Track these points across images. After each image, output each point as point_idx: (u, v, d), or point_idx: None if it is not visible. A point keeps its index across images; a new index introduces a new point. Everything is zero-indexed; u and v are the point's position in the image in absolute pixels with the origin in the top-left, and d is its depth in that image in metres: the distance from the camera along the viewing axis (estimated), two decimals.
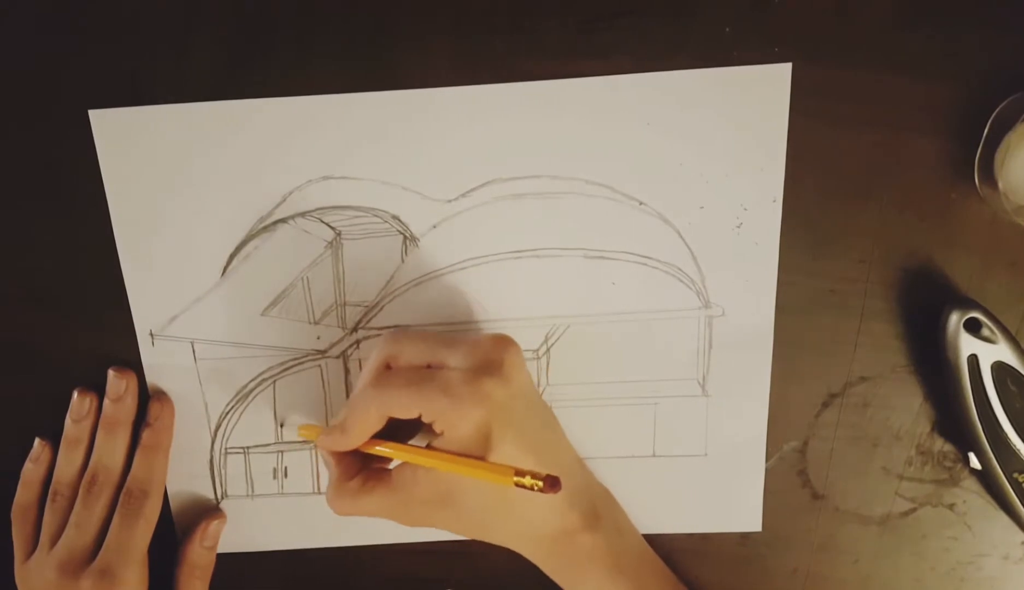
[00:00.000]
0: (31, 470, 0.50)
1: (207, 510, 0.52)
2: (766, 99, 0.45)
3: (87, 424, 0.49)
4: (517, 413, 0.42)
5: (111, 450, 0.49)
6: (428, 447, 0.42)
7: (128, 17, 0.45)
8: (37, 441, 0.50)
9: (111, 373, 0.49)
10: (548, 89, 0.45)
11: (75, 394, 0.49)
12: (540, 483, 0.38)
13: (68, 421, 0.49)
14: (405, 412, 0.42)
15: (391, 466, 0.45)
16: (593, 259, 0.48)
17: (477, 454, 0.41)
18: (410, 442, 0.45)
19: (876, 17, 0.44)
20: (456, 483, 0.42)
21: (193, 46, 0.45)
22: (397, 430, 0.44)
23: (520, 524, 0.45)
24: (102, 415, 0.49)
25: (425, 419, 0.42)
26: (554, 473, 0.39)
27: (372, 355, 0.45)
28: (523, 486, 0.38)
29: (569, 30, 0.45)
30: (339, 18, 0.45)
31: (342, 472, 0.44)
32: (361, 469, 0.45)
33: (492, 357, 0.42)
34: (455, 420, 0.41)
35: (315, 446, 0.51)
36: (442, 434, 0.42)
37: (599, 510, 0.47)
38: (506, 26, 0.45)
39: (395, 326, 0.49)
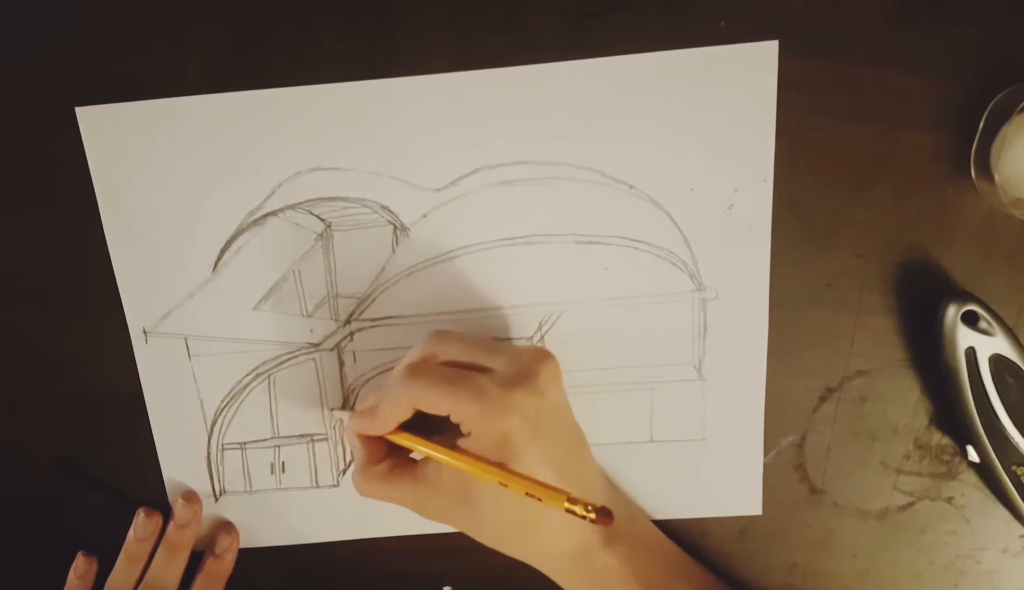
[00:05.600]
0: (76, 585, 0.54)
1: (218, 520, 0.55)
2: (754, 77, 0.47)
3: (149, 545, 0.53)
4: (544, 427, 0.44)
5: (169, 569, 0.53)
6: (455, 447, 0.44)
7: (116, 11, 0.47)
8: (81, 556, 0.54)
9: (180, 502, 0.53)
10: (535, 73, 0.47)
11: (141, 513, 0.53)
12: (592, 514, 0.39)
13: (131, 537, 0.53)
14: (435, 409, 0.44)
15: (416, 455, 0.47)
16: (584, 244, 0.50)
17: (500, 461, 0.43)
18: (437, 436, 0.47)
19: (872, 10, 0.45)
20: (478, 486, 0.44)
21: (182, 41, 0.47)
22: (425, 419, 0.46)
23: (538, 539, 0.47)
24: (165, 537, 0.53)
25: (453, 419, 0.44)
26: (576, 489, 0.41)
27: (413, 348, 0.47)
28: (574, 513, 0.40)
29: (565, 25, 0.46)
30: (333, 14, 0.47)
31: (369, 455, 0.47)
32: (388, 453, 0.47)
33: (529, 368, 0.44)
34: (482, 426, 0.43)
35: (343, 427, 0.53)
36: (468, 435, 0.44)
37: (622, 527, 0.48)
38: (502, 22, 0.46)
39: (388, 317, 0.51)
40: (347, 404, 0.53)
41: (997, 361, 0.47)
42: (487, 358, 0.45)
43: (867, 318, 0.49)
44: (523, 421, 0.43)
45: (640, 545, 0.50)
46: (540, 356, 0.45)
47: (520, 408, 0.43)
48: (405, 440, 0.46)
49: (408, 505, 0.46)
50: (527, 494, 0.41)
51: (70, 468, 0.54)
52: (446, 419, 0.44)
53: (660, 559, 0.51)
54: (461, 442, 0.44)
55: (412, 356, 0.46)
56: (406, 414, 0.45)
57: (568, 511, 0.40)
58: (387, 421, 0.46)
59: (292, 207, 0.49)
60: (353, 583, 0.56)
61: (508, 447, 0.43)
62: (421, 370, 0.44)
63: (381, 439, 0.47)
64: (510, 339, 0.51)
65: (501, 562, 0.48)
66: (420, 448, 0.45)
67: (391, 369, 0.51)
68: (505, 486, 0.42)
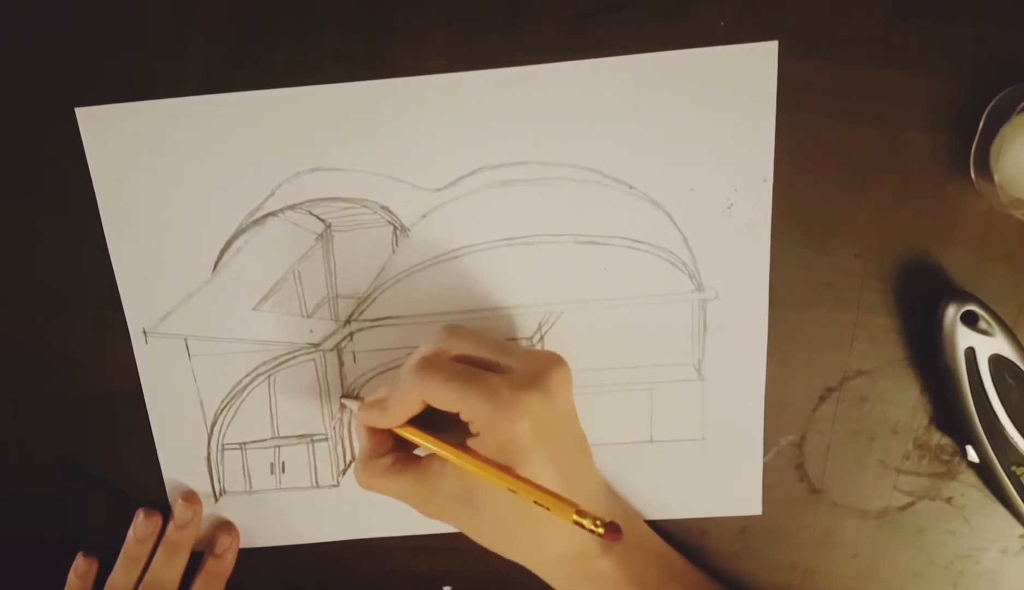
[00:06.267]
0: (76, 585, 0.54)
1: (218, 521, 0.55)
2: (753, 78, 0.47)
3: (149, 545, 0.53)
4: (553, 431, 0.44)
5: (169, 569, 0.53)
6: (463, 446, 0.44)
7: (116, 11, 0.47)
8: (81, 557, 0.54)
9: (180, 502, 0.53)
10: (535, 74, 0.47)
11: (140, 514, 0.53)
12: (601, 529, 0.39)
13: (130, 537, 0.53)
14: (445, 405, 0.44)
15: (419, 451, 0.47)
16: (584, 245, 0.50)
17: (507, 463, 0.43)
18: (445, 433, 0.46)
19: (871, 10, 0.45)
20: (482, 487, 0.44)
21: (182, 41, 0.47)
22: (434, 416, 0.46)
23: (537, 542, 0.47)
24: (165, 537, 0.53)
25: (463, 418, 0.44)
26: (578, 496, 0.41)
27: (425, 343, 0.46)
28: (582, 526, 0.40)
29: (564, 25, 0.46)
30: (333, 14, 0.47)
31: (373, 447, 0.47)
32: (393, 447, 0.47)
33: (541, 371, 0.44)
34: (491, 426, 0.43)
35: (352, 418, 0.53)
36: (478, 435, 0.44)
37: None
38: (501, 21, 0.47)
39: (388, 318, 0.51)
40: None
41: (997, 361, 0.47)
42: (500, 356, 0.45)
43: (867, 318, 0.50)
44: (533, 424, 0.43)
45: (637, 549, 0.50)
46: (553, 360, 0.45)
47: (531, 411, 0.43)
48: (413, 435, 0.46)
49: (409, 501, 0.46)
50: (535, 502, 0.41)
51: (70, 468, 0.54)
52: (455, 417, 0.44)
53: (657, 563, 0.51)
54: (470, 442, 0.44)
55: (425, 350, 0.46)
56: (416, 408, 0.45)
57: (576, 523, 0.40)
58: (396, 414, 0.46)
59: (292, 207, 0.50)
60: (353, 583, 0.56)
61: (516, 449, 0.43)
62: (433, 365, 0.44)
63: (388, 432, 0.47)
64: (511, 339, 0.51)
65: (501, 562, 0.48)
66: (429, 445, 0.45)
67: (402, 363, 0.51)
68: (514, 492, 0.42)
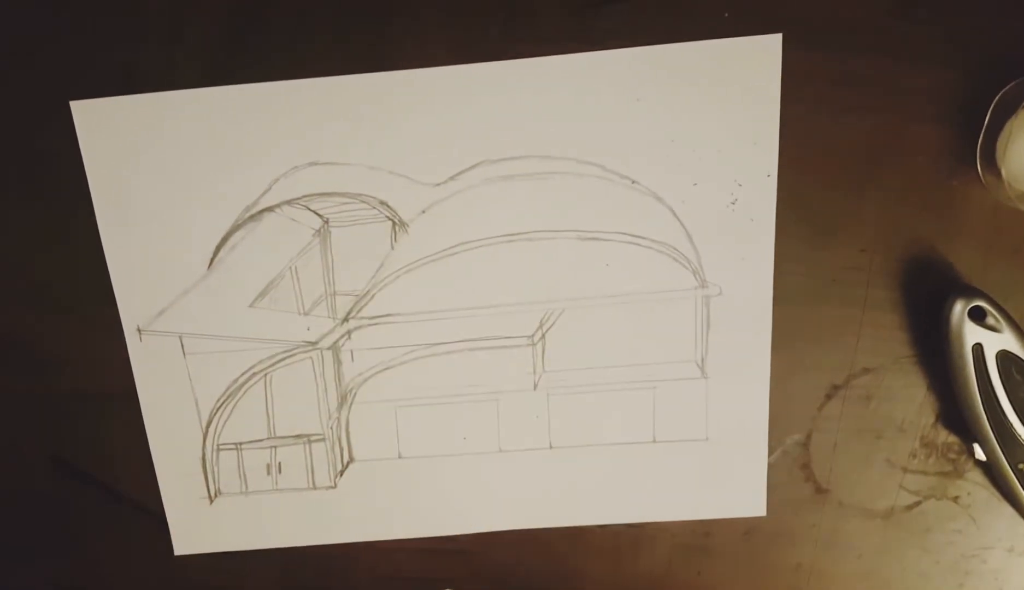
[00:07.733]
0: None
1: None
2: (757, 71, 0.47)
3: None
4: None
5: None
6: None
7: (111, 4, 0.47)
8: None
9: None
10: (536, 66, 0.47)
11: None
12: None
13: None
14: None
15: None
16: (586, 241, 0.50)
17: None
18: None
19: (876, 3, 0.45)
20: None
21: (178, 34, 0.47)
22: None
23: None
24: None
25: None
26: None
27: None
28: None
29: (565, 17, 0.46)
30: (332, 5, 0.47)
31: None
32: None
33: None
34: None
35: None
36: None
37: None
38: (502, 12, 0.46)
39: (387, 315, 0.51)
40: (344, 403, 0.52)
41: (1004, 357, 0.47)
42: None
43: (873, 314, 0.49)
44: None
45: None
46: None
47: None
48: None
49: None
50: None
51: (63, 467, 0.54)
52: None
53: None
54: None
55: None
56: None
57: None
58: None
59: (289, 202, 0.49)
60: (351, 586, 0.56)
61: None
62: None
63: None
64: (511, 337, 0.51)
65: (501, 565, 0.48)
66: None
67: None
68: None
